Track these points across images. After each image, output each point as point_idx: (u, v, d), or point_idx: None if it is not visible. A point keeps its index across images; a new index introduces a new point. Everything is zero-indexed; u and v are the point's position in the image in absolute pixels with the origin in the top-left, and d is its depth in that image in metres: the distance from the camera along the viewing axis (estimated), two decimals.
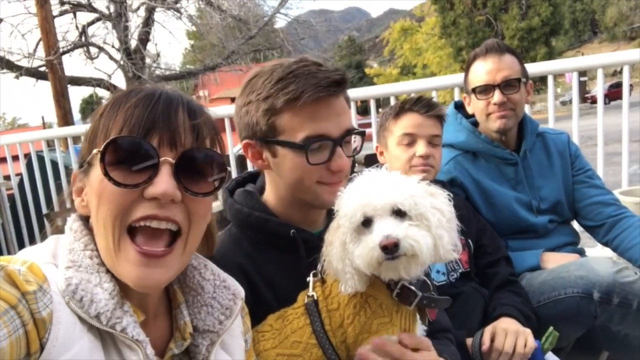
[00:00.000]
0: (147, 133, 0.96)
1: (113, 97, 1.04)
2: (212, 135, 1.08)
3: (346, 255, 1.30)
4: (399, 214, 1.25)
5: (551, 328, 1.83)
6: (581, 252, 2.50)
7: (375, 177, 1.33)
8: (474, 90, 2.41)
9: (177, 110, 1.00)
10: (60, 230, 1.08)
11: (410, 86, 4.67)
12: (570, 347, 2.23)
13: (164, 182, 0.94)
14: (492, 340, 1.80)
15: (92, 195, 0.99)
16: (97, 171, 0.96)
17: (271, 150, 1.49)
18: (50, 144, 5.85)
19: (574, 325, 2.04)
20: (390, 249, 1.19)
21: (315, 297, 1.40)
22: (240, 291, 1.20)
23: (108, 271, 0.98)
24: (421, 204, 1.26)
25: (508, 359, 1.75)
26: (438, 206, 1.30)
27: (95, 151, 0.97)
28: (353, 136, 1.51)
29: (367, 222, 1.27)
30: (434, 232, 1.26)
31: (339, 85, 1.42)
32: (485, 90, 2.37)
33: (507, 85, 2.34)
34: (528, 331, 1.81)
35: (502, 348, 1.76)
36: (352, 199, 1.29)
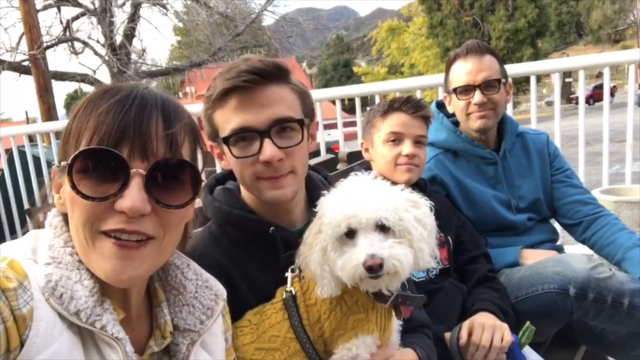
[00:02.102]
0: (118, 142, 0.93)
1: (88, 96, 1.01)
2: (190, 140, 1.05)
3: (326, 261, 1.30)
4: (383, 228, 1.25)
5: (528, 323, 1.86)
6: (559, 249, 2.54)
7: (361, 186, 1.32)
8: (454, 90, 2.44)
9: (150, 117, 0.96)
10: (41, 226, 1.07)
11: (395, 85, 4.71)
12: (549, 342, 2.26)
13: (132, 197, 0.92)
14: (470, 334, 1.82)
15: (67, 197, 0.98)
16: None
17: (221, 149, 1.51)
18: (32, 138, 5.79)
19: (551, 320, 2.07)
20: (375, 269, 1.20)
21: (294, 293, 1.41)
22: (222, 292, 1.20)
23: (88, 268, 0.97)
24: (405, 219, 1.26)
25: (485, 352, 1.77)
26: (420, 217, 1.31)
27: (63, 164, 0.95)
28: (306, 127, 1.48)
29: (350, 234, 1.27)
30: (415, 246, 1.27)
31: (250, 75, 1.39)
32: (465, 90, 2.40)
33: (487, 85, 2.37)
34: (505, 326, 1.83)
35: (479, 342, 1.78)
36: (337, 208, 1.28)
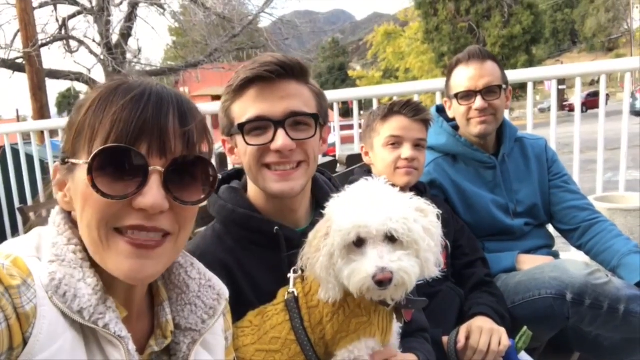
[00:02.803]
0: (136, 140, 0.93)
1: (99, 93, 0.99)
2: (203, 138, 1.05)
3: (332, 266, 1.30)
4: (392, 239, 1.26)
5: (525, 327, 1.87)
6: (556, 255, 2.55)
7: (372, 194, 1.32)
8: (455, 95, 2.45)
9: (167, 114, 0.96)
10: (33, 225, 1.06)
11: (393, 89, 4.72)
12: (543, 348, 2.27)
13: (152, 195, 0.92)
14: (467, 338, 1.83)
15: (76, 195, 0.96)
16: (82, 174, 0.93)
17: (234, 141, 1.55)
18: (25, 137, 5.75)
19: (548, 325, 2.08)
20: (384, 283, 1.21)
21: (296, 294, 1.41)
22: (225, 292, 1.20)
23: (92, 266, 0.96)
24: (414, 230, 1.26)
25: (482, 356, 1.78)
26: (428, 227, 1.31)
27: (82, 162, 0.94)
28: (315, 124, 1.50)
29: (359, 242, 1.27)
30: (422, 256, 1.28)
31: (273, 66, 1.44)
32: (467, 95, 2.41)
33: (488, 91, 2.38)
34: (502, 330, 1.84)
35: (476, 346, 1.79)
36: (347, 215, 1.28)
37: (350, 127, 4.73)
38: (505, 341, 1.79)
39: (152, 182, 0.93)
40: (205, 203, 1.60)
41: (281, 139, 1.43)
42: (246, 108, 1.48)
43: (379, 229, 1.24)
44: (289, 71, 1.46)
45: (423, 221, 1.31)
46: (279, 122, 1.44)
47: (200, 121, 1.03)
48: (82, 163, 0.94)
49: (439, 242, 1.34)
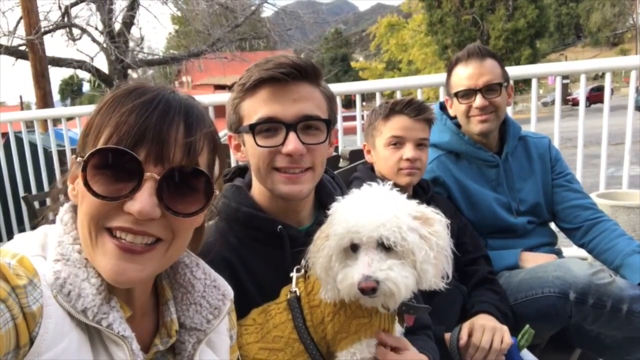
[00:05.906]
0: (136, 144, 0.93)
1: (114, 93, 1.00)
2: (209, 149, 1.04)
3: (330, 268, 1.30)
4: (387, 247, 1.23)
5: (527, 326, 1.87)
6: (558, 253, 2.55)
7: (371, 199, 1.30)
8: (456, 94, 2.44)
9: (171, 123, 0.96)
10: (37, 213, 1.07)
11: (396, 83, 4.71)
12: (544, 344, 2.28)
13: (142, 201, 0.92)
14: (470, 335, 1.84)
15: (79, 188, 0.97)
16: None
17: (241, 139, 1.55)
18: (29, 125, 5.75)
19: (550, 323, 2.09)
20: (367, 292, 1.20)
21: (298, 293, 1.41)
22: (230, 292, 1.20)
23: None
24: (409, 240, 1.22)
25: (484, 354, 1.78)
26: (428, 237, 1.27)
27: (79, 159, 0.95)
28: (323, 127, 1.49)
29: (354, 248, 1.27)
30: (418, 267, 1.24)
31: (288, 68, 1.43)
32: (467, 94, 2.40)
33: (488, 89, 2.37)
34: (505, 328, 1.84)
35: (479, 344, 1.79)
36: (344, 220, 1.27)
37: (353, 118, 4.73)
38: (508, 339, 1.80)
39: (145, 188, 0.93)
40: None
41: (292, 142, 1.42)
42: (257, 107, 1.46)
43: (369, 235, 1.22)
44: (303, 73, 1.45)
45: (422, 230, 1.27)
46: (290, 125, 1.43)
47: (207, 132, 1.03)
48: (78, 160, 0.95)
49: (443, 252, 1.29)
